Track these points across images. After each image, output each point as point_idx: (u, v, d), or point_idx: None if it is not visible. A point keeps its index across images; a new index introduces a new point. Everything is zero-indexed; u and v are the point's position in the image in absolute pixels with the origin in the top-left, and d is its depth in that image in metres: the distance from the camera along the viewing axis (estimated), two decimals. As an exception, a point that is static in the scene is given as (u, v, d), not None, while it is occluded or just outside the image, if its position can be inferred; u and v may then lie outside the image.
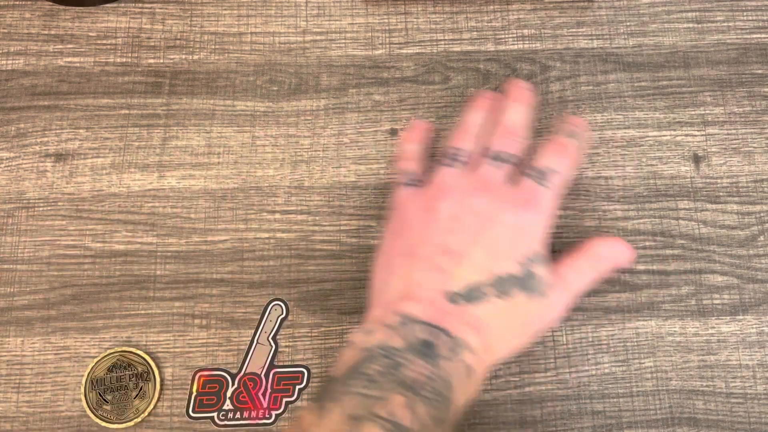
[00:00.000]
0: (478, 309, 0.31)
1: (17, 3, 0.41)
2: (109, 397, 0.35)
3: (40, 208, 0.38)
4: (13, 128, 0.39)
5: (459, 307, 0.31)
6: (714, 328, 0.36)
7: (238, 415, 0.35)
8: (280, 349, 0.36)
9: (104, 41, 0.41)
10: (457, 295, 0.31)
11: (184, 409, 0.35)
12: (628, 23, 0.41)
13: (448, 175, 0.34)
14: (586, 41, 0.41)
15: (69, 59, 0.40)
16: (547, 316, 0.33)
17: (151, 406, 0.35)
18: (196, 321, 0.36)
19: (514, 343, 0.33)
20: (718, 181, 0.39)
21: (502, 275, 0.31)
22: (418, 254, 0.32)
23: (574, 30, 0.41)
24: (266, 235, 0.38)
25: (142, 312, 0.36)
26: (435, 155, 0.38)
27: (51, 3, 0.41)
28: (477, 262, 0.31)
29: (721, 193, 0.38)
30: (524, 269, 0.32)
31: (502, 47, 0.41)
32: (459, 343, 0.30)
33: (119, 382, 0.35)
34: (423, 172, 0.36)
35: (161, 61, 0.40)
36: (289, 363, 0.36)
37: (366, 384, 0.28)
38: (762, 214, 0.38)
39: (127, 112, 0.40)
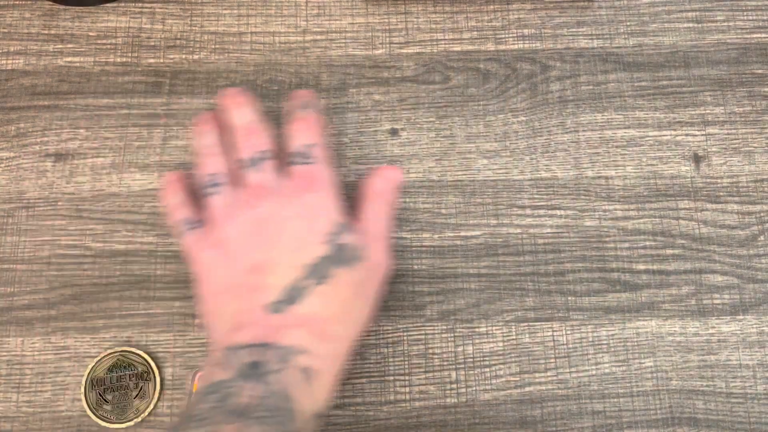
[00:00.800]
0: (303, 306, 0.30)
1: (17, 3, 0.41)
2: (109, 397, 0.35)
3: (40, 208, 0.38)
4: (13, 128, 0.39)
5: (283, 314, 0.30)
6: (714, 328, 0.36)
7: (238, 415, 0.35)
8: (280, 349, 0.36)
9: (104, 41, 0.41)
10: (276, 303, 0.30)
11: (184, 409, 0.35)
12: (628, 23, 0.41)
13: (218, 202, 0.33)
14: (586, 41, 0.41)
15: (69, 59, 0.40)
16: (376, 272, 0.33)
17: (151, 406, 0.35)
18: (197, 321, 0.36)
19: (360, 314, 0.32)
20: (719, 180, 0.39)
21: (313, 262, 0.31)
22: (229, 286, 0.32)
23: (574, 30, 0.41)
24: (266, 235, 0.38)
25: (142, 312, 0.36)
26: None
27: (51, 3, 0.41)
28: (284, 263, 0.31)
29: (721, 193, 0.38)
30: (332, 245, 0.32)
31: (502, 47, 0.41)
32: (289, 350, 0.29)
33: (119, 382, 0.35)
34: (198, 212, 0.34)
35: (161, 60, 0.40)
36: (289, 363, 0.36)
37: (196, 425, 0.27)
38: (762, 214, 0.38)
39: (127, 111, 0.40)
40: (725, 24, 0.41)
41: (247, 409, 0.27)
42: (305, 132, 0.34)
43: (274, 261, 0.31)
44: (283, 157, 0.34)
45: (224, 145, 0.35)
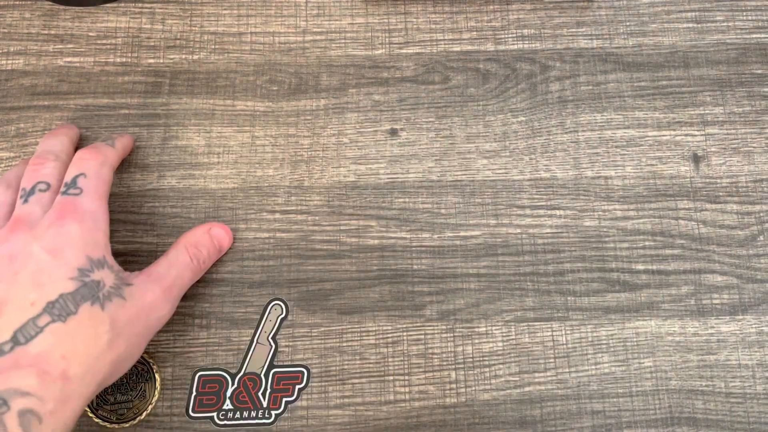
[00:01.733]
0: (36, 345, 0.28)
1: (17, 3, 0.41)
2: (109, 397, 0.35)
3: (40, 208, 0.38)
4: (13, 128, 0.39)
5: (10, 355, 0.28)
6: (713, 327, 0.36)
7: (237, 415, 0.35)
8: (279, 349, 0.36)
9: (104, 41, 0.41)
10: (5, 344, 0.28)
11: (184, 409, 0.35)
12: (627, 23, 0.41)
13: None
14: (585, 41, 0.41)
15: (69, 59, 0.41)
16: (145, 315, 0.31)
17: (151, 406, 0.35)
18: (196, 321, 0.36)
19: (111, 354, 0.30)
20: (718, 180, 0.39)
21: (53, 299, 0.29)
22: None
23: (573, 30, 0.41)
24: (266, 235, 0.38)
25: (142, 312, 0.37)
26: None
27: (51, 3, 0.41)
28: (20, 301, 0.29)
29: (720, 193, 0.38)
30: (79, 282, 0.29)
31: (501, 47, 0.41)
32: (8, 395, 0.27)
33: (119, 382, 0.35)
34: None
35: (161, 61, 0.41)
36: (289, 363, 0.36)
37: None
38: (762, 214, 0.38)
39: (127, 112, 0.40)
40: (725, 24, 0.41)
41: None
42: (79, 162, 0.33)
43: (9, 300, 0.29)
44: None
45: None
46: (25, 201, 0.32)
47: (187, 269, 0.34)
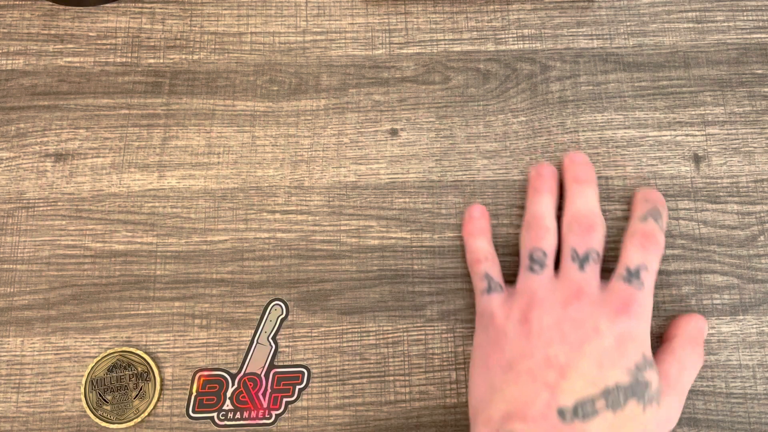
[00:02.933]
0: (590, 425, 0.29)
1: (17, 3, 0.41)
2: (109, 397, 0.35)
3: (40, 208, 0.38)
4: (13, 128, 0.39)
5: (570, 425, 0.29)
6: (714, 328, 0.36)
7: (238, 415, 0.35)
8: (280, 349, 0.36)
9: (104, 41, 0.41)
10: (567, 411, 0.29)
11: (184, 409, 0.35)
12: (628, 23, 0.41)
13: (536, 283, 0.33)
14: (586, 41, 0.41)
15: (69, 59, 0.40)
16: (663, 423, 0.31)
17: (151, 406, 0.35)
18: (196, 321, 0.36)
19: None
20: (719, 181, 0.39)
21: (611, 386, 0.30)
22: (519, 368, 0.31)
23: (574, 30, 0.41)
24: (266, 235, 0.38)
25: (142, 312, 0.36)
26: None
27: (51, 3, 0.41)
28: (584, 373, 0.30)
29: (721, 193, 0.38)
30: (634, 377, 0.30)
31: (502, 47, 0.41)
32: None
33: (119, 382, 0.35)
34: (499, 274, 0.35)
35: (161, 61, 0.40)
36: (289, 363, 0.36)
37: None
38: (762, 214, 0.38)
39: (127, 111, 0.40)
40: (725, 24, 0.41)
41: None
42: (643, 251, 0.33)
43: (574, 367, 0.30)
44: (615, 268, 0.34)
45: (553, 214, 0.35)
46: (582, 268, 0.33)
47: (696, 372, 0.33)
